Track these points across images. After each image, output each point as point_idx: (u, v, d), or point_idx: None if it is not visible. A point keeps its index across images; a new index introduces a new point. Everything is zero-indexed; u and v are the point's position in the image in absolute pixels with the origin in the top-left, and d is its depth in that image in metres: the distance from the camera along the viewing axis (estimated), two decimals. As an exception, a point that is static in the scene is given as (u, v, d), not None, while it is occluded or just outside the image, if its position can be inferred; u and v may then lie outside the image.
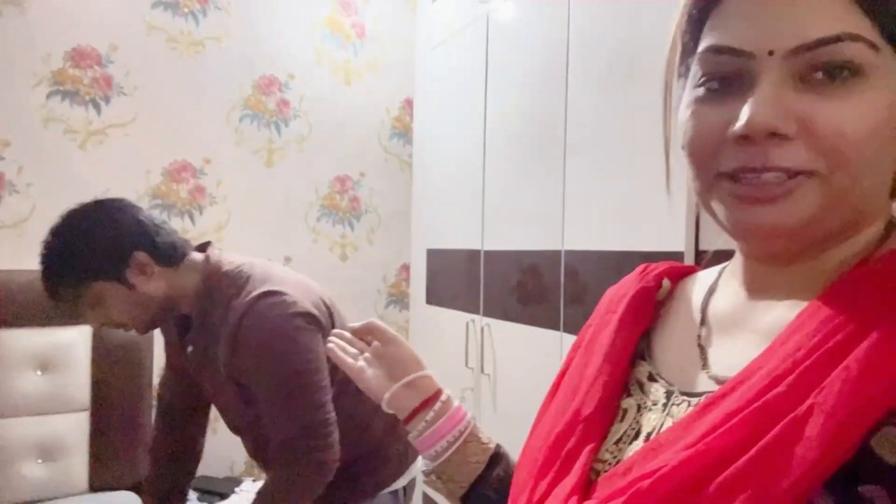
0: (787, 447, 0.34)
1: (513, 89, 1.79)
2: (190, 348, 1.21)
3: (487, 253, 1.90)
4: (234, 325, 1.08)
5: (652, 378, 0.49)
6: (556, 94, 1.56)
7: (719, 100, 0.40)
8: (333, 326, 1.18)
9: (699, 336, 0.48)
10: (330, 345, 0.74)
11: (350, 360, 0.72)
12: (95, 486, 1.89)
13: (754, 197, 0.38)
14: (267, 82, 2.19)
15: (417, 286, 2.39)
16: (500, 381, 1.82)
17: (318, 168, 2.29)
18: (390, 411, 0.69)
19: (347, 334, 0.75)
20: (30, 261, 1.83)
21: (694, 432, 0.38)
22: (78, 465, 1.88)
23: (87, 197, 1.89)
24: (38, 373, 1.81)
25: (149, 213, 1.16)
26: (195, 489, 1.94)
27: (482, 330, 1.90)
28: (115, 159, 1.97)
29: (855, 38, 0.36)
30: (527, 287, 1.70)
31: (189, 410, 1.37)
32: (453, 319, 2.08)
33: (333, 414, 1.11)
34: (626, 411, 0.49)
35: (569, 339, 1.50)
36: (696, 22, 0.42)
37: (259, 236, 2.20)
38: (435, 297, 2.26)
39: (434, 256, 2.27)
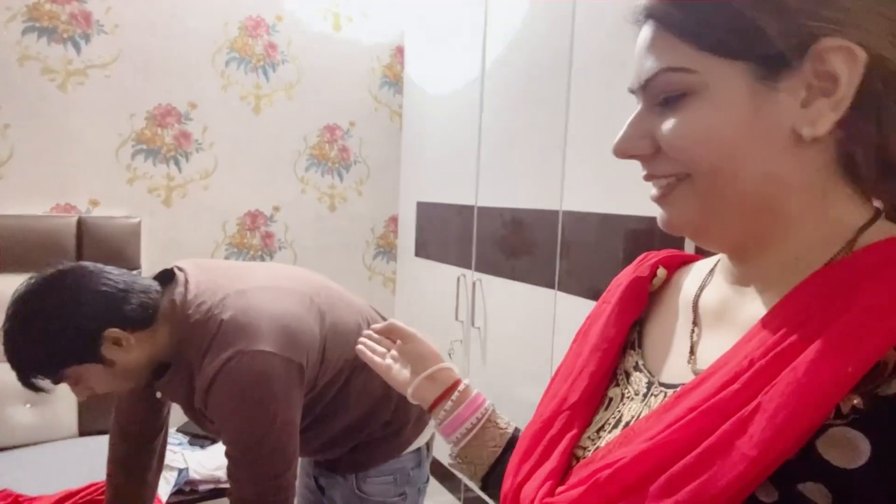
0: (730, 444, 0.36)
1: (513, 36, 1.76)
2: (158, 394, 1.16)
3: (481, 209, 1.90)
4: (207, 385, 1.03)
5: (637, 368, 0.51)
6: (560, 43, 1.53)
7: None
8: (327, 337, 1.15)
9: (692, 329, 0.49)
10: (359, 346, 0.81)
11: (378, 359, 0.79)
12: (84, 430, 1.91)
13: (655, 198, 0.46)
14: (254, 24, 2.11)
15: (406, 238, 2.40)
16: (491, 335, 1.86)
17: (306, 116, 2.24)
18: (415, 402, 0.74)
19: (375, 335, 0.82)
20: (11, 205, 1.78)
21: (658, 425, 0.40)
22: (66, 410, 1.89)
23: (68, 141, 1.84)
24: (24, 319, 1.79)
25: (110, 271, 1.05)
26: (184, 433, 1.97)
27: (473, 285, 1.93)
28: (97, 102, 1.89)
29: (670, 70, 0.42)
30: (521, 245, 1.72)
31: (146, 438, 1.29)
32: (443, 273, 2.11)
33: (293, 476, 1.09)
34: (611, 400, 0.51)
35: (563, 297, 1.54)
36: None
37: (247, 185, 2.16)
38: (424, 250, 2.28)
39: (424, 209, 2.27)
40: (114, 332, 1.00)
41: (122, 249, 1.91)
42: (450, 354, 2.01)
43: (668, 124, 0.43)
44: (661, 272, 0.56)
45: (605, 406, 0.51)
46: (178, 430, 1.95)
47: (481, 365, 1.90)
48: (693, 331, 0.49)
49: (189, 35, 2.00)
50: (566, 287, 1.53)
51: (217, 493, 1.82)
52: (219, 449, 1.93)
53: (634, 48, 0.46)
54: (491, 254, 1.86)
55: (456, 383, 0.73)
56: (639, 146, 0.45)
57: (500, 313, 1.83)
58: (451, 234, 2.07)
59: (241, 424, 1.05)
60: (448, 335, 2.02)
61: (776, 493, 0.35)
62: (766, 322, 0.40)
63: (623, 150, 0.46)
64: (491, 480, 0.68)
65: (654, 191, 0.46)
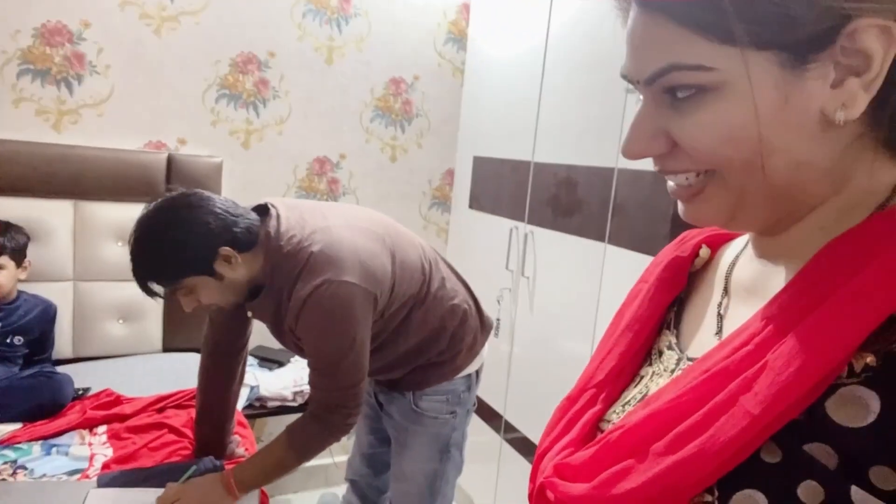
0: (735, 404, 0.36)
1: (581, 2, 1.82)
2: (249, 313, 1.33)
3: (537, 164, 2.00)
4: (298, 308, 1.17)
5: (671, 347, 0.51)
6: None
7: None
8: (396, 273, 1.28)
9: (720, 304, 0.49)
10: None
11: None
12: (167, 346, 2.13)
13: (679, 194, 0.44)
14: (330, -23, 2.21)
15: (461, 191, 2.52)
16: (539, 284, 1.98)
17: (374, 69, 2.35)
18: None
19: None
20: (109, 140, 1.96)
21: (674, 390, 0.41)
22: (153, 327, 2.11)
23: (161, 83, 1.99)
24: (119, 243, 1.99)
25: (223, 199, 1.20)
26: (256, 356, 2.17)
27: (525, 236, 2.04)
28: (186, 46, 2.04)
29: (679, 67, 0.39)
30: (575, 200, 1.82)
31: (233, 349, 1.46)
32: (496, 224, 2.22)
33: (363, 388, 1.24)
34: (641, 378, 0.51)
35: (612, 250, 1.64)
36: None
37: (316, 132, 2.30)
38: (478, 202, 2.39)
39: (480, 164, 2.37)
40: (226, 250, 1.16)
41: (204, 186, 2.07)
42: (498, 301, 2.15)
43: (686, 124, 0.40)
44: (705, 251, 0.55)
45: (634, 383, 0.51)
46: (251, 354, 2.15)
47: (528, 313, 2.04)
48: (720, 304, 0.49)
49: (270, -13, 2.13)
50: (616, 240, 1.64)
51: (282, 409, 2.02)
52: (284, 372, 2.13)
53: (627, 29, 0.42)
54: (544, 208, 1.97)
55: None
56: (652, 146, 0.42)
57: (550, 264, 1.95)
58: (506, 188, 2.18)
59: (326, 342, 1.21)
60: (497, 283, 2.15)
61: (780, 453, 0.35)
62: (786, 287, 0.40)
63: (635, 153, 0.43)
64: None
65: (673, 186, 0.44)
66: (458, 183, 2.55)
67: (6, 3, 1.81)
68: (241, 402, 1.90)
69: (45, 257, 1.88)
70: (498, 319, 2.15)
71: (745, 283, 0.48)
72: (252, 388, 2.00)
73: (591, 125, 1.75)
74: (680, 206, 0.45)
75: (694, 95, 0.39)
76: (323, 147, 2.32)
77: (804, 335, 0.35)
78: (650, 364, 0.52)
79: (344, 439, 1.54)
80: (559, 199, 1.89)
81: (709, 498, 0.37)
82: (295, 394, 2.05)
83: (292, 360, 2.20)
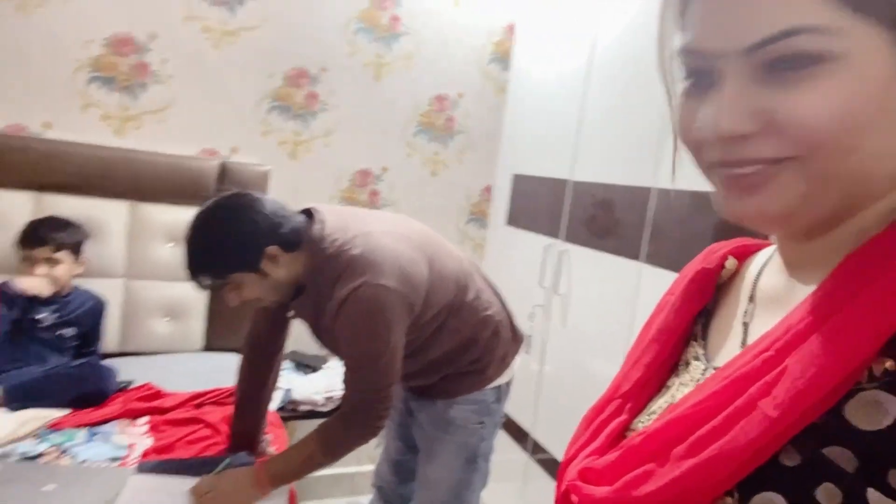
0: (755, 407, 0.36)
1: (626, 23, 1.84)
2: (291, 313, 1.37)
3: (576, 183, 2.02)
4: (337, 308, 1.22)
5: (697, 358, 0.51)
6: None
7: (698, 95, 0.40)
8: (432, 281, 1.31)
9: (745, 313, 0.48)
10: None
11: None
12: (209, 346, 2.20)
13: (740, 186, 0.39)
14: (381, -3, 2.30)
15: (498, 207, 2.55)
16: (573, 302, 1.98)
17: (420, 85, 2.42)
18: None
19: None
20: (167, 145, 2.07)
21: (697, 396, 0.41)
22: (196, 326, 2.18)
23: (218, 94, 2.09)
24: (170, 244, 2.09)
25: (272, 201, 1.27)
26: (291, 360, 2.23)
27: (560, 254, 2.05)
28: (243, 60, 2.14)
29: (802, 30, 0.34)
30: (611, 218, 1.83)
31: (272, 349, 1.52)
32: (531, 241, 2.24)
33: (393, 391, 1.27)
34: (668, 388, 0.51)
35: (649, 270, 1.64)
36: (679, 16, 0.41)
37: (360, 145, 2.37)
38: (514, 219, 2.42)
39: (519, 181, 2.40)
40: (272, 249, 1.22)
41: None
42: (530, 318, 2.16)
43: (798, 101, 0.35)
44: (731, 263, 0.54)
45: (661, 394, 0.52)
46: (286, 357, 2.21)
47: (561, 329, 2.03)
48: (746, 314, 0.48)
49: (327, 4, 2.22)
50: (652, 259, 1.63)
51: (313, 414, 2.06)
52: (318, 378, 2.18)
53: None
54: (580, 226, 1.98)
55: None
56: (746, 124, 0.37)
57: (584, 282, 1.95)
58: (543, 206, 2.19)
59: (361, 342, 1.25)
60: (531, 300, 2.16)
61: (799, 456, 0.35)
62: (810, 295, 0.39)
63: (731, 130, 0.37)
64: None
65: (731, 175, 0.40)
66: (496, 199, 2.58)
67: (80, 15, 1.94)
68: (274, 404, 1.95)
69: (100, 254, 1.98)
70: (529, 336, 2.15)
71: (771, 293, 0.47)
72: (285, 391, 2.04)
73: (630, 145, 1.76)
74: (733, 202, 0.40)
75: (807, 68, 0.35)
76: (366, 159, 2.39)
77: (823, 339, 0.35)
78: (677, 375, 0.52)
79: (371, 447, 1.57)
80: (595, 218, 1.90)
81: (729, 501, 0.37)
82: (326, 399, 2.08)
83: (326, 366, 2.24)
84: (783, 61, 0.35)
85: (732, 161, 0.39)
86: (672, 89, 0.45)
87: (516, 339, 1.51)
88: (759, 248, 0.54)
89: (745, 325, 0.48)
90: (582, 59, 2.01)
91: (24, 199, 1.90)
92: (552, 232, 2.12)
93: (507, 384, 1.51)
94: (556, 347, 2.07)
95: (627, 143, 1.77)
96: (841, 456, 0.34)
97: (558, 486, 0.51)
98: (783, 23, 0.34)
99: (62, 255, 1.79)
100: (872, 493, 0.32)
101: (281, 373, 1.83)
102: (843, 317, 0.36)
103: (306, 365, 2.23)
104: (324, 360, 2.28)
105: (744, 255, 0.55)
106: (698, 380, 0.48)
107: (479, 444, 1.45)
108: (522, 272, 2.25)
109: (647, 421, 0.50)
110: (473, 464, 1.46)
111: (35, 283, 1.73)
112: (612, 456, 0.45)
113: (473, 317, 1.40)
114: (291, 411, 2.05)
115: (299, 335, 1.72)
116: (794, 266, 0.45)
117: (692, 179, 0.48)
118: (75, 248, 1.84)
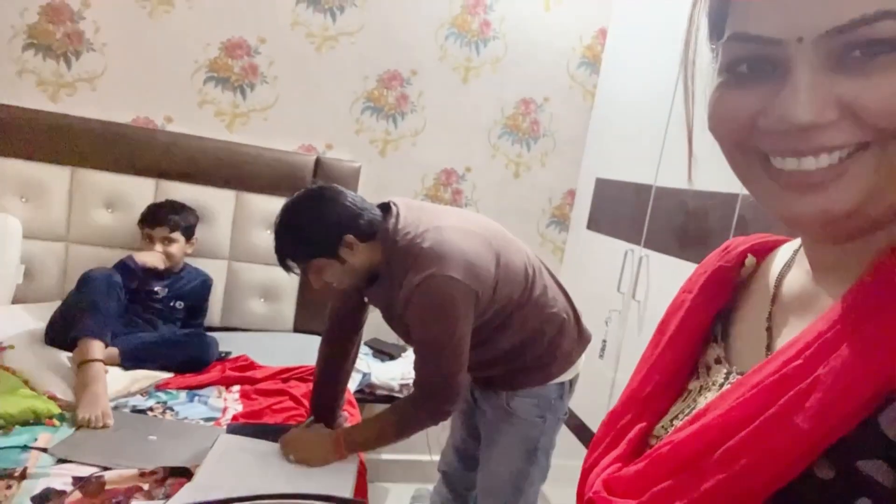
0: (786, 418, 0.35)
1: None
2: (366, 299, 1.48)
3: (659, 189, 1.99)
4: (407, 296, 1.30)
5: (719, 361, 0.49)
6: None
7: (749, 86, 0.38)
8: (499, 276, 1.36)
9: (769, 317, 0.46)
10: None
11: None
12: (298, 327, 2.37)
13: (805, 183, 0.37)
14: (474, 3, 2.37)
15: (580, 211, 2.55)
16: (650, 308, 1.96)
17: (506, 89, 2.47)
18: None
19: None
20: (270, 141, 2.25)
21: (723, 405, 0.39)
22: (287, 308, 2.36)
23: (317, 94, 2.25)
24: (268, 231, 2.27)
25: (353, 195, 1.37)
26: (371, 346, 2.35)
27: (640, 260, 2.04)
28: (342, 63, 2.30)
29: (890, 15, 0.33)
30: (695, 226, 1.80)
31: (351, 327, 1.61)
32: (611, 246, 2.23)
33: (463, 378, 1.33)
34: (689, 392, 0.50)
35: (725, 278, 1.60)
36: (721, 3, 0.40)
37: (446, 145, 2.46)
38: (595, 223, 2.41)
39: (602, 185, 2.39)
40: (350, 237, 1.32)
41: (344, 187, 2.32)
42: (606, 323, 2.15)
43: (875, 88, 0.34)
44: (750, 261, 0.52)
45: (682, 398, 0.50)
46: (366, 343, 2.34)
47: (636, 336, 2.02)
48: (774, 318, 0.46)
49: (421, 10, 2.33)
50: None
51: (389, 398, 2.17)
52: (395, 365, 2.29)
53: None
54: (662, 232, 1.95)
55: None
56: (825, 114, 0.35)
57: (663, 290, 1.92)
58: (625, 211, 2.18)
59: (429, 330, 1.32)
60: (607, 305, 2.15)
61: (833, 469, 0.34)
62: (840, 300, 0.38)
63: (811, 121, 0.35)
64: None
65: (799, 171, 0.37)
66: (578, 203, 2.59)
67: (200, 21, 2.16)
68: (353, 385, 2.07)
69: (208, 237, 2.20)
70: (604, 341, 2.15)
71: (796, 296, 0.45)
72: (364, 374, 2.17)
73: (716, 150, 1.72)
74: (792, 201, 0.38)
75: (885, 54, 0.33)
76: (451, 159, 2.48)
77: (855, 349, 0.34)
78: (698, 378, 0.50)
79: (443, 437, 1.64)
80: (678, 224, 1.87)
81: None
82: (402, 386, 2.19)
83: (403, 354, 2.35)
84: (858, 49, 0.34)
85: (808, 150, 0.36)
86: (692, 85, 0.45)
87: (582, 337, 1.53)
88: (777, 245, 0.53)
89: (769, 329, 0.46)
90: (672, 64, 1.98)
91: (147, 185, 2.14)
92: (633, 238, 2.10)
93: (571, 382, 1.54)
94: (630, 354, 2.05)
95: (713, 148, 1.73)
96: (877, 469, 0.33)
97: (580, 494, 0.51)
98: (872, 5, 0.33)
99: (177, 235, 2.01)
100: None
101: (361, 357, 1.95)
102: (876, 325, 0.34)
103: (385, 352, 2.34)
104: (402, 349, 2.39)
105: (763, 251, 0.53)
106: (721, 384, 0.47)
107: (539, 437, 1.49)
108: (601, 277, 2.25)
109: (668, 426, 0.48)
110: (533, 457, 1.49)
111: (153, 258, 1.95)
112: (636, 467, 0.43)
113: (540, 313, 1.44)
114: (369, 394, 2.18)
115: (380, 324, 1.82)
116: (823, 269, 0.43)
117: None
118: (188, 230, 2.05)
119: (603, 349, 2.14)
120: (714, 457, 0.37)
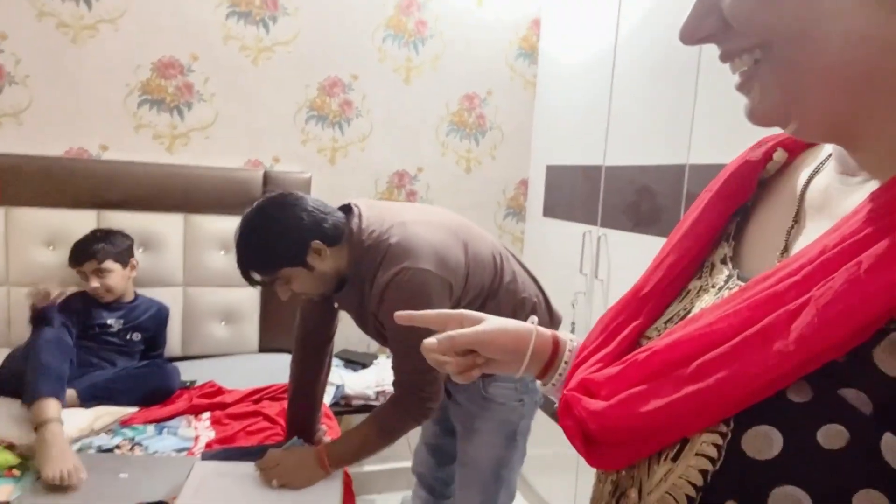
0: (769, 338, 0.34)
1: (649, 7, 1.86)
2: (336, 304, 1.44)
3: (608, 168, 2.03)
4: (380, 293, 1.27)
5: (724, 261, 0.47)
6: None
7: None
8: (469, 265, 1.36)
9: (794, 216, 0.44)
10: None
11: (469, 375, 0.69)
12: (263, 347, 2.31)
13: (740, 89, 0.40)
14: (407, 3, 2.37)
15: (534, 199, 2.58)
16: (613, 286, 1.99)
17: (449, 85, 2.48)
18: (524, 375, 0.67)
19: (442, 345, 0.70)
20: (214, 159, 2.17)
21: (715, 314, 0.38)
22: (250, 329, 2.29)
23: (259, 107, 2.20)
24: (222, 252, 2.20)
25: (313, 199, 1.34)
26: (341, 358, 2.31)
27: (598, 239, 2.07)
28: (280, 73, 2.25)
29: None
30: (647, 200, 1.84)
31: (323, 338, 1.57)
32: (569, 230, 2.26)
33: (440, 374, 1.28)
34: (688, 292, 0.48)
35: (683, 245, 1.64)
36: None
37: (396, 147, 2.45)
38: (551, 209, 2.44)
39: (553, 172, 2.43)
40: (317, 243, 1.29)
41: (295, 199, 2.28)
42: (573, 305, 2.17)
43: None
44: (779, 155, 0.49)
45: (680, 298, 0.48)
46: (336, 355, 2.29)
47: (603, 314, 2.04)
48: (793, 219, 0.44)
49: (354, 14, 2.31)
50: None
51: (365, 408, 2.13)
52: (367, 374, 2.25)
53: None
54: (616, 210, 1.99)
55: (557, 344, 0.65)
56: (705, 25, 0.38)
57: (624, 265, 1.96)
58: (578, 194, 2.21)
59: (404, 326, 1.30)
60: (572, 288, 2.18)
61: (811, 393, 0.33)
62: (855, 211, 0.35)
63: (690, 34, 0.39)
64: None
65: (738, 81, 0.40)
66: (532, 192, 2.61)
67: (128, 43, 2.09)
68: (328, 398, 2.03)
69: (160, 264, 2.12)
70: (573, 323, 2.17)
71: (819, 200, 0.42)
72: (338, 386, 2.12)
73: (661, 124, 1.77)
74: (743, 105, 0.40)
75: None
76: (402, 161, 2.47)
77: (855, 273, 0.32)
78: (699, 277, 0.48)
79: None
80: (630, 200, 1.91)
81: (723, 429, 0.35)
82: (377, 393, 2.15)
83: (375, 362, 2.32)
84: None
85: (723, 57, 0.39)
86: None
87: (553, 319, 1.54)
88: (814, 144, 0.48)
89: (789, 232, 0.43)
90: (607, 44, 2.03)
91: (88, 217, 2.05)
92: (589, 219, 2.14)
93: None
94: (598, 332, 2.07)
95: (658, 122, 1.78)
96: (856, 399, 0.31)
97: (564, 388, 0.49)
98: None
99: (109, 264, 1.87)
100: (889, 438, 0.30)
101: (332, 370, 1.91)
102: (879, 251, 0.31)
103: (356, 362, 2.30)
104: (373, 357, 2.35)
105: (797, 149, 0.49)
106: (720, 287, 0.45)
107: (518, 421, 1.48)
108: (562, 261, 2.28)
109: (662, 328, 0.47)
110: (513, 441, 1.49)
111: (55, 288, 1.83)
112: (614, 369, 0.43)
113: (511, 299, 1.44)
114: (345, 406, 2.13)
115: (349, 335, 1.78)
116: (847, 172, 0.41)
117: (726, 154, 0.46)
118: (121, 256, 1.92)
119: (572, 332, 2.16)
120: (690, 368, 0.36)
